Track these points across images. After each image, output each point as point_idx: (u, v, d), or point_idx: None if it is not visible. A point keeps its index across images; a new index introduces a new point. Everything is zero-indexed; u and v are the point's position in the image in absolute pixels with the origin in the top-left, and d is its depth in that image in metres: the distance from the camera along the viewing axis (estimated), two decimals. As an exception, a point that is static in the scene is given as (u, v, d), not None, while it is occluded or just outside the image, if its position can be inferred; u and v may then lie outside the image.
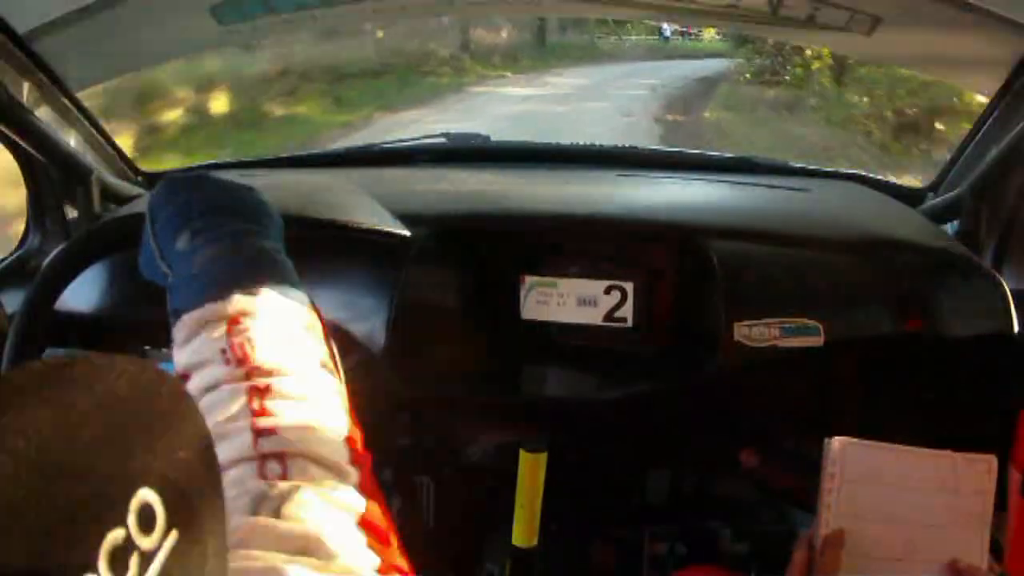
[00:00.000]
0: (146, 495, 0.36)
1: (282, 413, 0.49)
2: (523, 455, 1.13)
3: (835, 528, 0.81)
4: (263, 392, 0.49)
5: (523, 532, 1.17)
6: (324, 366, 0.54)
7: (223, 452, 0.46)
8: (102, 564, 0.32)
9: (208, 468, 0.46)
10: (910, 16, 1.34)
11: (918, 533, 0.82)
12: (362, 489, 0.48)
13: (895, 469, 0.83)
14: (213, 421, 0.47)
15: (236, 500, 0.44)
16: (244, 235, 0.59)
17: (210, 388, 0.50)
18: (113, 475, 0.35)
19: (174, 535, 0.37)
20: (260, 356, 0.51)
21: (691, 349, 1.18)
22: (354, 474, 0.48)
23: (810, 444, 1.24)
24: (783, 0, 1.37)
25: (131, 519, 0.35)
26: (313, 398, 0.51)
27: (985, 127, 1.36)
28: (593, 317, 1.24)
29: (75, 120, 1.39)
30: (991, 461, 0.82)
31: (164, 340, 0.92)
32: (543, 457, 1.14)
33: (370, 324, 1.11)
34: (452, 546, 1.26)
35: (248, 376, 0.50)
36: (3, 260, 1.40)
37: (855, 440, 0.84)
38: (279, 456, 0.46)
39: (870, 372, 1.16)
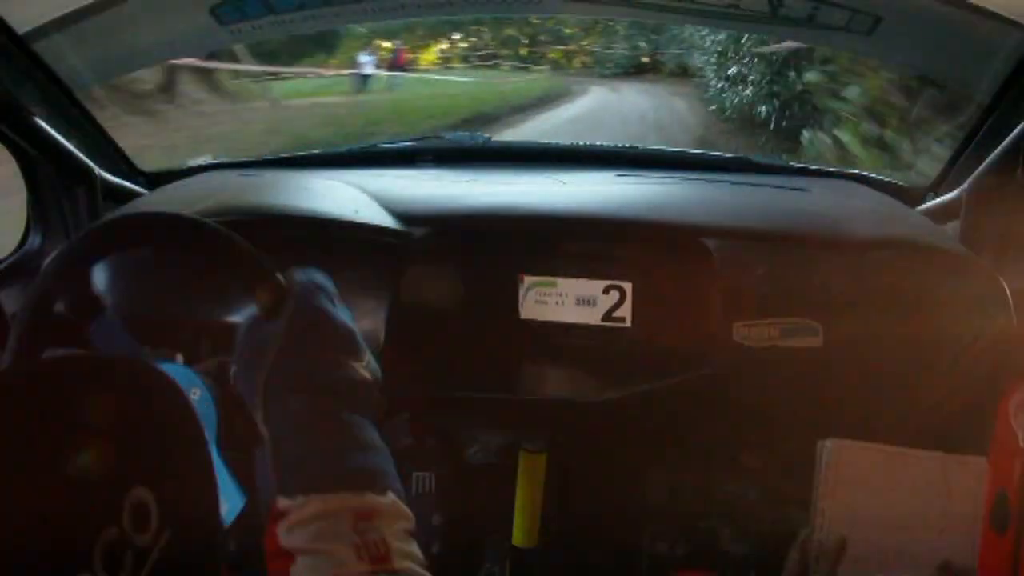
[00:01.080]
0: (140, 493, 0.36)
1: None
2: (523, 455, 1.14)
3: (828, 530, 0.81)
4: None
5: (523, 532, 1.17)
6: (424, 568, 0.56)
7: None
8: (97, 562, 0.32)
9: (201, 467, 0.46)
10: (910, 16, 1.34)
11: (911, 535, 0.82)
12: None
13: (887, 470, 0.83)
14: None
15: None
16: (364, 428, 0.59)
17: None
18: (108, 474, 0.35)
19: (168, 533, 0.37)
20: (393, 559, 0.53)
21: (690, 349, 1.18)
22: None
23: (810, 444, 1.24)
24: (783, 0, 1.37)
25: (125, 517, 0.35)
26: None
27: (985, 127, 1.36)
28: (592, 317, 1.23)
29: (75, 120, 1.39)
30: (981, 463, 0.82)
31: (164, 340, 0.93)
32: (543, 457, 1.14)
33: (370, 324, 1.11)
34: (452, 546, 1.26)
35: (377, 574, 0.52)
36: (3, 260, 1.40)
37: (848, 441, 0.84)
38: None
39: (870, 372, 1.16)
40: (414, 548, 0.56)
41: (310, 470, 0.55)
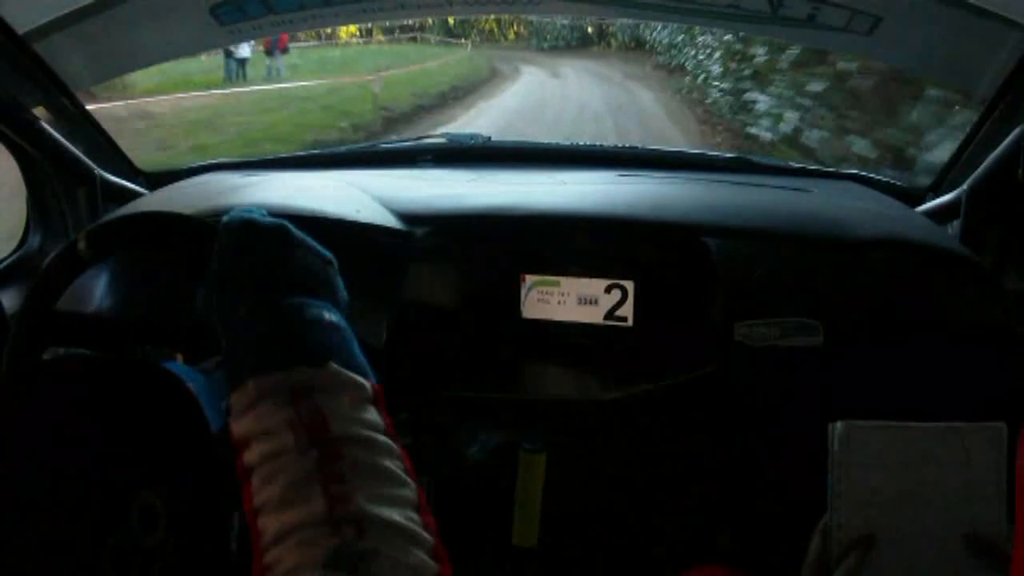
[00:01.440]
0: (149, 497, 0.36)
1: (353, 480, 0.50)
2: (523, 455, 1.14)
3: (847, 514, 0.81)
4: (334, 461, 0.50)
5: (523, 532, 1.17)
6: (387, 434, 0.56)
7: (294, 515, 0.47)
8: (106, 564, 0.32)
9: (209, 469, 0.46)
10: (910, 16, 1.34)
11: (933, 508, 0.81)
12: (434, 555, 0.50)
13: (903, 446, 0.83)
14: (279, 487, 0.49)
15: (308, 555, 0.46)
16: (309, 307, 0.59)
17: (274, 455, 0.51)
18: (116, 476, 0.35)
19: (176, 536, 0.37)
20: (330, 427, 0.52)
21: (691, 349, 1.18)
22: (428, 540, 0.50)
23: (810, 443, 1.24)
24: (783, 0, 1.37)
25: (134, 520, 0.35)
26: (381, 465, 0.52)
27: (985, 127, 1.36)
28: (593, 316, 1.24)
29: (75, 120, 1.39)
30: (1000, 429, 0.81)
31: (164, 340, 0.93)
32: (543, 457, 1.14)
33: (370, 324, 1.11)
34: (452, 546, 1.26)
35: (317, 445, 0.51)
36: (3, 260, 1.40)
37: (858, 422, 0.83)
38: (356, 521, 0.48)
39: (870, 372, 1.16)
40: (368, 414, 0.55)
41: (247, 356, 0.56)
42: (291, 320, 0.58)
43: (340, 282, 0.66)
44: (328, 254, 0.66)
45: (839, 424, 0.84)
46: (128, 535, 0.34)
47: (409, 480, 0.53)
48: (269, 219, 0.66)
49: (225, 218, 0.65)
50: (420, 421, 1.20)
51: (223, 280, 0.60)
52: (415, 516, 0.51)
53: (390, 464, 0.53)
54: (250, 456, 0.51)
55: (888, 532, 0.81)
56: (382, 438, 0.54)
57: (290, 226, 0.66)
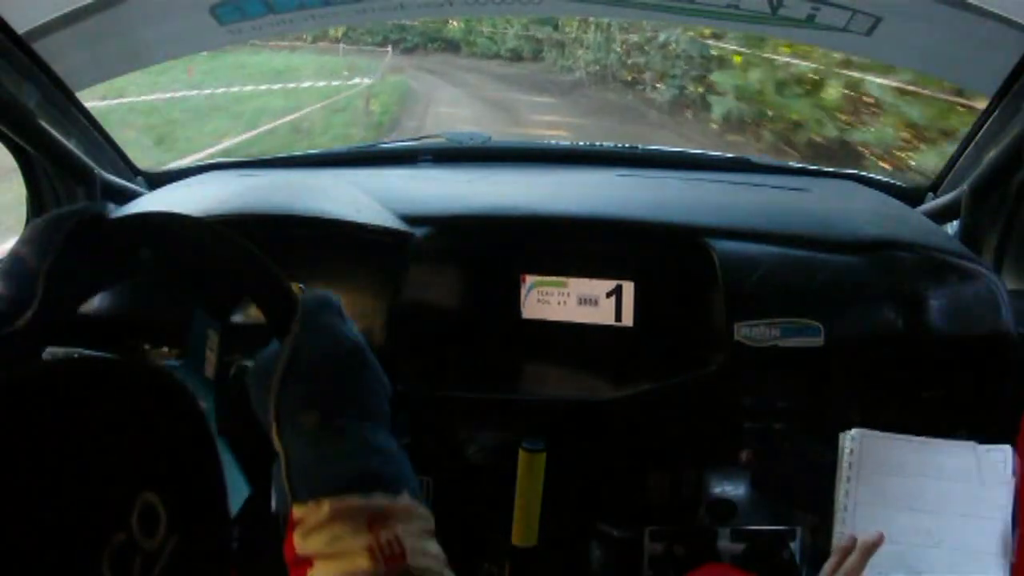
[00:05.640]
0: (149, 497, 0.36)
1: None
2: (523, 455, 1.13)
3: (854, 521, 0.81)
4: None
5: (523, 532, 1.17)
6: (447, 567, 0.57)
7: None
8: (105, 566, 0.32)
9: (210, 470, 0.46)
10: (910, 16, 1.34)
11: (940, 521, 0.82)
12: None
13: (914, 459, 0.83)
14: None
15: None
16: (374, 432, 0.60)
17: None
18: (116, 477, 0.35)
19: (177, 538, 0.37)
20: (407, 557, 0.53)
21: (691, 349, 1.18)
22: None
23: (810, 444, 1.24)
24: (783, 0, 1.37)
25: (134, 521, 0.35)
26: None
27: (985, 127, 1.36)
28: (594, 317, 1.23)
29: (75, 120, 1.38)
30: (1007, 451, 0.82)
31: (164, 340, 0.93)
32: (543, 457, 1.14)
33: (370, 324, 1.11)
34: (452, 546, 1.26)
35: (394, 574, 0.52)
36: (3, 260, 1.39)
37: (871, 432, 0.84)
38: None
39: (870, 372, 1.16)
40: (433, 547, 0.56)
41: (322, 476, 0.56)
42: (363, 445, 0.58)
43: (389, 391, 0.65)
44: (386, 379, 0.65)
45: (852, 432, 0.84)
46: (128, 537, 0.34)
47: None
48: (351, 330, 0.65)
49: (304, 304, 0.63)
50: (420, 421, 1.19)
51: (289, 381, 0.59)
52: None
53: None
54: (316, 574, 0.52)
55: (895, 539, 0.81)
56: (448, 572, 0.56)
57: (364, 343, 0.65)
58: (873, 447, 0.83)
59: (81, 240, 0.66)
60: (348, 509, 0.53)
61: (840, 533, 0.83)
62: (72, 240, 0.65)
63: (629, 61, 10.45)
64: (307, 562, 0.53)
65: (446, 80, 11.70)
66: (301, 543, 0.53)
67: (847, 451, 0.83)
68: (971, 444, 0.83)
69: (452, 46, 13.94)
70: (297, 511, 0.54)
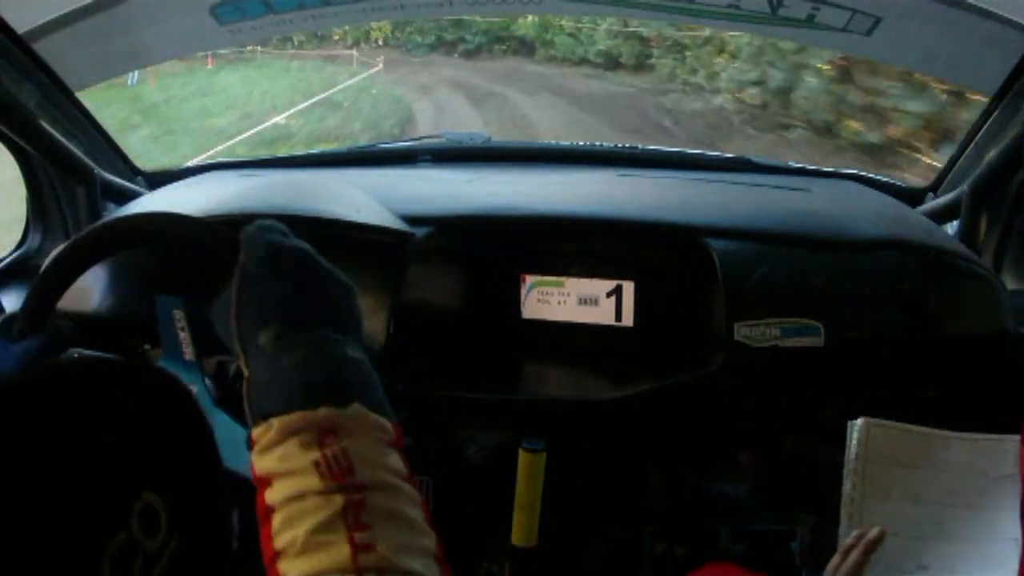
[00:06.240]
0: (149, 498, 0.36)
1: (377, 528, 0.50)
2: (523, 455, 1.13)
3: (859, 513, 0.80)
4: (358, 507, 0.50)
5: (523, 532, 1.17)
6: (407, 480, 0.55)
7: (316, 562, 0.47)
8: (106, 567, 0.32)
9: (211, 471, 0.46)
10: (910, 16, 1.34)
11: (948, 513, 0.81)
12: None
13: (922, 450, 0.82)
14: (303, 530, 0.48)
15: None
16: (333, 343, 0.58)
17: (298, 497, 0.50)
18: (117, 478, 0.35)
19: (177, 538, 0.37)
20: (355, 471, 0.52)
21: (691, 349, 1.18)
22: None
23: (810, 444, 1.25)
24: (783, 0, 1.37)
25: (135, 522, 0.35)
26: (404, 514, 0.52)
27: (985, 127, 1.36)
28: (594, 317, 1.23)
29: (75, 120, 1.38)
30: (1015, 442, 0.81)
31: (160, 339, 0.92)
32: (543, 457, 1.14)
33: (370, 324, 1.11)
34: (452, 546, 1.26)
35: (343, 490, 0.51)
36: (3, 260, 1.40)
37: (879, 421, 0.83)
38: (379, 571, 0.48)
39: (870, 372, 1.16)
40: (390, 459, 0.55)
41: (273, 394, 0.55)
42: (316, 357, 0.57)
43: (360, 311, 0.64)
44: (349, 281, 0.64)
45: (859, 421, 0.83)
46: (129, 537, 0.34)
47: (429, 529, 0.53)
48: (294, 241, 0.64)
49: (245, 234, 0.63)
50: (420, 421, 1.19)
51: (242, 305, 0.59)
52: (435, 567, 0.51)
53: (412, 512, 0.53)
54: (272, 495, 0.51)
55: (901, 530, 0.81)
56: (405, 485, 0.54)
57: (313, 251, 0.64)
58: (880, 437, 0.82)
59: None
60: (294, 424, 0.53)
61: (846, 526, 0.82)
62: None
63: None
64: (266, 482, 0.52)
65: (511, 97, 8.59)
66: (258, 464, 0.53)
67: (854, 442, 0.82)
68: (980, 436, 0.82)
69: (525, 47, 10.75)
70: (255, 432, 0.54)
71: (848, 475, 0.82)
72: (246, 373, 0.57)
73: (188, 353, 0.75)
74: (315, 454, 0.51)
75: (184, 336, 0.75)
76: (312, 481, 0.50)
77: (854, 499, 0.82)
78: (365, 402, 0.55)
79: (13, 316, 0.69)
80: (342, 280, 0.63)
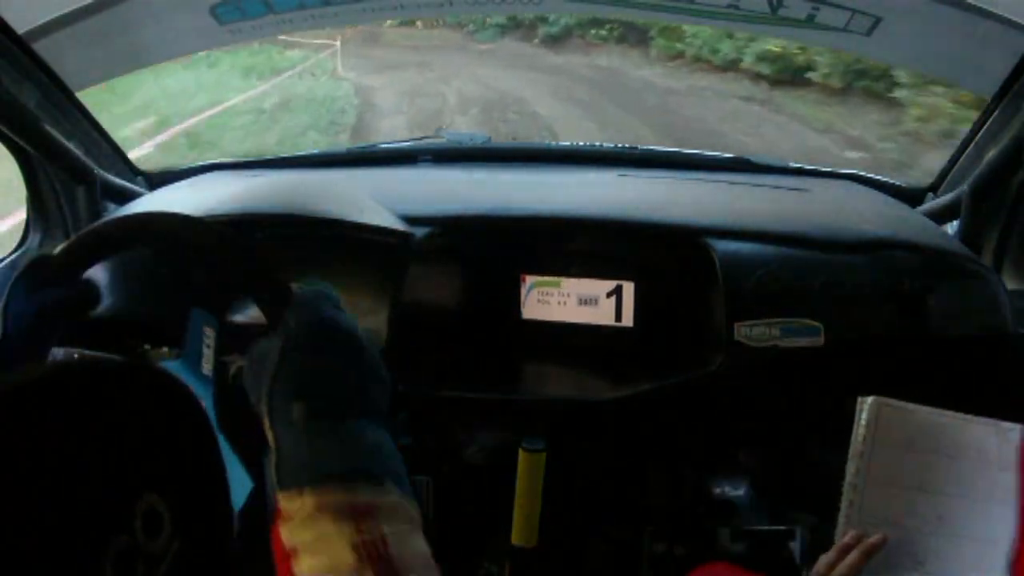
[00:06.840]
0: (151, 499, 0.36)
1: None
2: (523, 455, 1.13)
3: (863, 493, 0.79)
4: None
5: (523, 532, 1.17)
6: (433, 566, 0.56)
7: None
8: (108, 570, 0.32)
9: (211, 471, 0.46)
10: (910, 16, 1.34)
11: (951, 505, 0.80)
12: None
13: (930, 434, 0.80)
14: None
15: None
16: (367, 428, 0.59)
17: (330, 572, 0.51)
18: (118, 479, 0.34)
19: (180, 539, 0.37)
20: (391, 553, 0.52)
21: (691, 349, 1.18)
22: None
23: (810, 444, 1.24)
24: (783, 0, 1.37)
25: (137, 524, 0.35)
26: None
27: (985, 127, 1.36)
28: (594, 317, 1.23)
29: (75, 120, 1.38)
30: (1018, 432, 0.80)
31: (164, 340, 0.92)
32: (543, 457, 1.14)
33: (370, 324, 1.11)
34: (452, 546, 1.26)
35: (377, 571, 0.51)
36: (3, 259, 1.39)
37: (890, 401, 0.81)
38: None
39: (870, 372, 1.16)
40: (421, 546, 0.55)
41: (307, 467, 0.55)
42: (352, 439, 0.57)
43: (387, 379, 0.64)
44: (387, 375, 0.64)
45: (869, 399, 0.81)
46: (131, 539, 0.34)
47: None
48: (347, 317, 0.64)
49: (298, 297, 0.63)
50: (420, 421, 1.20)
51: (281, 370, 0.59)
52: None
53: None
54: (301, 567, 0.51)
55: (903, 519, 0.79)
56: (433, 572, 0.55)
57: (359, 329, 0.64)
58: (890, 418, 0.80)
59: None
60: (331, 502, 0.53)
61: (845, 513, 0.81)
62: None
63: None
64: (293, 553, 0.52)
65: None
66: (287, 535, 0.53)
67: (863, 422, 0.81)
68: (992, 421, 0.81)
69: (635, 35, 7.27)
70: (283, 502, 0.54)
71: (853, 458, 0.80)
72: (269, 437, 0.58)
73: (206, 368, 0.75)
74: (353, 535, 0.52)
75: (208, 353, 0.75)
76: (347, 558, 0.51)
77: (856, 485, 0.80)
78: (400, 489, 0.56)
79: (47, 257, 0.68)
80: (380, 369, 0.64)
